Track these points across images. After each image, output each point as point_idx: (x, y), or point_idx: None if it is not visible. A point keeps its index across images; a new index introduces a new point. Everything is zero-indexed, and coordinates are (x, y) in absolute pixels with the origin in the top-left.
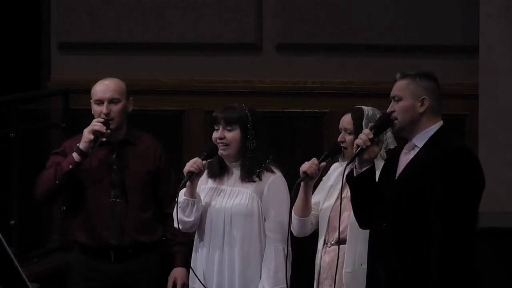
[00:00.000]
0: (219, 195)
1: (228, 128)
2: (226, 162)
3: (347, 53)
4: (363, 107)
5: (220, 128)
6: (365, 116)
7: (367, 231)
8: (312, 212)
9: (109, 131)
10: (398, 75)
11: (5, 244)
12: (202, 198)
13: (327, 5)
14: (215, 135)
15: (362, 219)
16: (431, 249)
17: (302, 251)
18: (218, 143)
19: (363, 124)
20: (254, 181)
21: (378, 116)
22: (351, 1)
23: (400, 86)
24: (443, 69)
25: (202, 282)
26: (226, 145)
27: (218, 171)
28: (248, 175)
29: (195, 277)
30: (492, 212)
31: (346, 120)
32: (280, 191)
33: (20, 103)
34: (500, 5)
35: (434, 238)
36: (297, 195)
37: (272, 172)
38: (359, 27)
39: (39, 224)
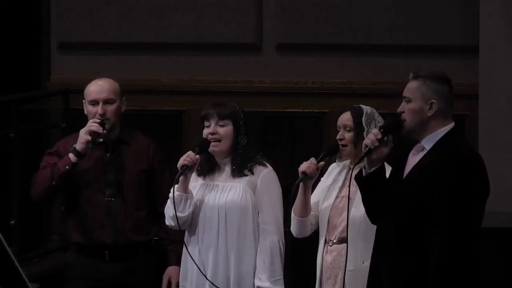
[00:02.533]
0: (211, 191)
1: (221, 123)
2: (217, 159)
3: (347, 53)
4: (361, 105)
5: (212, 124)
6: (364, 113)
7: (368, 229)
8: (311, 213)
9: (105, 131)
10: (411, 75)
11: (5, 244)
12: (193, 194)
13: (327, 5)
14: (207, 131)
15: (375, 217)
16: (431, 254)
17: (301, 251)
18: (210, 139)
19: (363, 121)
20: (246, 175)
21: (376, 115)
22: (351, 1)
23: (411, 87)
24: (443, 69)
25: (202, 271)
26: (218, 140)
27: (208, 169)
28: (240, 169)
29: (187, 275)
30: (492, 212)
31: (345, 118)
32: (273, 184)
33: (20, 103)
34: (500, 5)
35: (433, 245)
36: (296, 195)
37: (264, 165)
38: (359, 27)
39: (39, 224)
